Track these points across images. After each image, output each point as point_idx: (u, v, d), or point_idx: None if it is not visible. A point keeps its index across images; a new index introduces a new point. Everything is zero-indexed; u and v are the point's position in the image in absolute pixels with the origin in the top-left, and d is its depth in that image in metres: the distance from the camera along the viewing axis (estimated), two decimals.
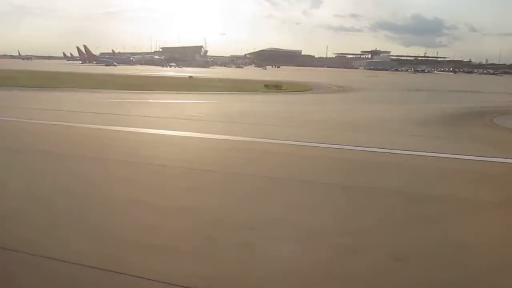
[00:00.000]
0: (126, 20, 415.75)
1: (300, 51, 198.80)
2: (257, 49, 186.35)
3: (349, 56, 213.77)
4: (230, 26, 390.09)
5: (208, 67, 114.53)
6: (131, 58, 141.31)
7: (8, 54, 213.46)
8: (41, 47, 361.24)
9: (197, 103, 20.22)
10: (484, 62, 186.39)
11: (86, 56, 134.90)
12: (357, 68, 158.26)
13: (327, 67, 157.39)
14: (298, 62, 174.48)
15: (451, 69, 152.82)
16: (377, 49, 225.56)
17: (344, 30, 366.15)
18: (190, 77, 44.28)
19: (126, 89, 25.80)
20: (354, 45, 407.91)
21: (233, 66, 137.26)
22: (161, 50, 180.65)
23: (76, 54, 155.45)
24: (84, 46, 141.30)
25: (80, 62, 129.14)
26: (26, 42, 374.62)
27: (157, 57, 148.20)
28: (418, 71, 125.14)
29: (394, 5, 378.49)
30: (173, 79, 41.52)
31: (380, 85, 43.78)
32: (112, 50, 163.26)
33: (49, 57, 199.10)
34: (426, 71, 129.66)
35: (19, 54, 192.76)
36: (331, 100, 24.79)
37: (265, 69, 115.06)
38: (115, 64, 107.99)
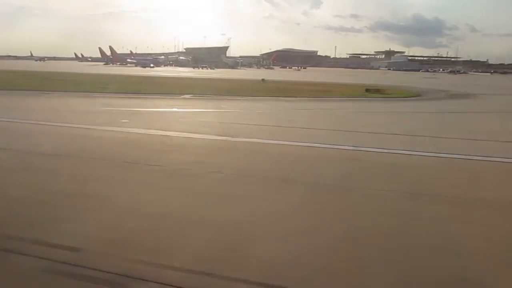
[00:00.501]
0: (127, 20, 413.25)
1: (316, 52, 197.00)
2: (272, 49, 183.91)
3: (363, 56, 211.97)
4: (231, 27, 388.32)
5: (237, 68, 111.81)
6: (157, 59, 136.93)
7: (12, 54, 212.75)
8: (43, 47, 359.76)
9: (357, 111, 18.69)
10: (494, 63, 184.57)
11: (112, 57, 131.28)
12: (377, 69, 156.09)
13: (346, 67, 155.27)
14: (314, 63, 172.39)
15: (477, 70, 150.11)
16: (391, 49, 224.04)
17: (344, 31, 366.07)
18: (263, 80, 41.98)
19: (260, 96, 24.45)
20: (355, 46, 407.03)
21: (256, 67, 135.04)
22: (184, 51, 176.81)
23: (87, 54, 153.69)
24: (110, 47, 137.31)
25: (103, 63, 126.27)
26: (27, 42, 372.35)
27: (182, 58, 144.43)
28: (454, 72, 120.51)
29: (394, 5, 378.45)
30: (254, 83, 39.14)
31: (480, 88, 40.39)
32: (130, 51, 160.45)
33: (61, 58, 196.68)
34: (461, 71, 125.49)
35: (31, 55, 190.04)
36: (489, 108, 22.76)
37: (300, 70, 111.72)
38: (152, 65, 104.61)
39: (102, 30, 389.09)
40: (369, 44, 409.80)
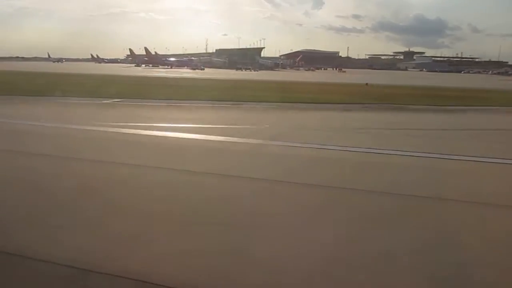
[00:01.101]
0: (130, 21, 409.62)
1: (338, 52, 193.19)
2: (293, 50, 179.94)
3: (383, 57, 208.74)
4: (232, 27, 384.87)
5: (274, 70, 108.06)
6: (192, 60, 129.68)
7: (20, 56, 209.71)
8: (46, 48, 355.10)
9: None
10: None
11: (147, 58, 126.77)
12: (405, 70, 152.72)
13: (371, 68, 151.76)
14: (336, 64, 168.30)
15: None
16: (410, 49, 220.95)
17: (346, 31, 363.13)
18: (367, 84, 38.38)
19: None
20: (355, 46, 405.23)
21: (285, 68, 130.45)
22: (215, 52, 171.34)
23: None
24: (145, 48, 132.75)
25: (134, 64, 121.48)
26: (29, 43, 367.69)
27: (217, 59, 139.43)
28: (504, 73, 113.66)
29: (396, 6, 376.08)
30: (361, 87, 35.49)
31: None
32: (155, 52, 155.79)
33: (76, 59, 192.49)
34: (510, 73, 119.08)
35: (49, 56, 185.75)
36: None
37: (344, 72, 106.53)
38: (202, 67, 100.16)
39: (105, 30, 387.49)
40: (369, 45, 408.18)
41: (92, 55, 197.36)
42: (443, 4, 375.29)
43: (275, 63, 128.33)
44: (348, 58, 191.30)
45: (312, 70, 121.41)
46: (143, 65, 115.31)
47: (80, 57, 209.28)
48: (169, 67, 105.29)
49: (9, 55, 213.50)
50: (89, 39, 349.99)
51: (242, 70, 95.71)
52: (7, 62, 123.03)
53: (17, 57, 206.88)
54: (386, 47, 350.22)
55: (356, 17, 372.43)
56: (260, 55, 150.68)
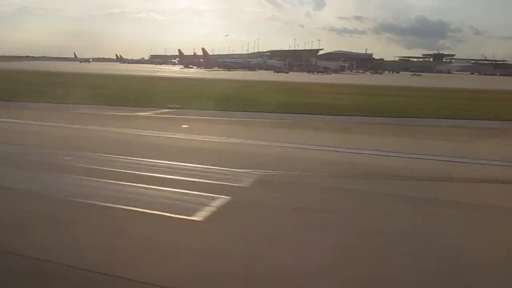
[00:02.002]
0: (130, 21, 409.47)
1: (372, 54, 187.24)
2: (322, 52, 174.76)
3: (413, 59, 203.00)
4: (233, 28, 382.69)
5: (340, 73, 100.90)
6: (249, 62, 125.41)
7: (20, 55, 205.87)
8: (48, 48, 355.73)
9: None
10: None
11: (204, 60, 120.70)
12: (448, 72, 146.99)
13: (408, 71, 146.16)
14: (369, 66, 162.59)
15: None
16: (440, 52, 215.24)
17: (347, 32, 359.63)
18: None
19: None
20: (356, 47, 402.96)
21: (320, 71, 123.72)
22: (269, 53, 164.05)
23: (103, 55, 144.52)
24: (203, 50, 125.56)
25: (182, 66, 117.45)
26: (30, 43, 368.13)
27: (272, 61, 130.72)
28: None
29: (398, 7, 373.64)
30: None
31: None
32: (194, 53, 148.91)
33: (102, 60, 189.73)
34: None
35: (75, 57, 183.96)
36: None
37: (380, 74, 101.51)
38: (287, 71, 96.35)
39: (106, 31, 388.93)
40: (370, 46, 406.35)
41: (116, 55, 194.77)
42: (444, 6, 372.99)
43: (341, 66, 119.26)
44: (382, 60, 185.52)
45: (362, 73, 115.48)
46: (193, 67, 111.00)
47: (105, 57, 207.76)
48: (227, 69, 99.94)
49: (14, 54, 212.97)
50: (94, 38, 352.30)
51: (314, 74, 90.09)
52: (33, 62, 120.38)
53: (27, 56, 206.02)
54: (386, 48, 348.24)
55: (357, 18, 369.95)
56: (315, 56, 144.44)
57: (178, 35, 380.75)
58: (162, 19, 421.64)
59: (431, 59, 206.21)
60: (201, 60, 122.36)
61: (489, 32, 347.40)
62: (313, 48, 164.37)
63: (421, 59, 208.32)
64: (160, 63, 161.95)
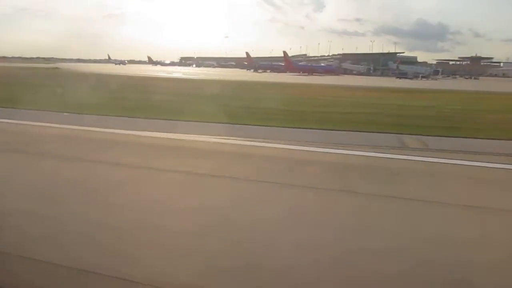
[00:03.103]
0: (129, 23, 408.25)
1: (416, 57, 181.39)
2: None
3: (451, 62, 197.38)
4: (232, 29, 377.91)
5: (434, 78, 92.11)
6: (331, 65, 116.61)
7: (41, 56, 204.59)
8: (49, 49, 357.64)
9: None
10: None
11: (285, 63, 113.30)
12: (508, 77, 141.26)
13: (456, 74, 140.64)
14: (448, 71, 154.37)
15: None
16: (477, 54, 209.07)
17: (347, 34, 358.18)
18: None
19: None
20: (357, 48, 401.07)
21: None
22: (340, 57, 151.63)
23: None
24: (284, 52, 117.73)
25: (251, 69, 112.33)
26: (30, 44, 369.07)
27: (353, 65, 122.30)
28: None
29: (398, 10, 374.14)
30: None
31: None
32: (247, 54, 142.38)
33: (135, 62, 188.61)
34: None
35: (109, 58, 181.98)
36: None
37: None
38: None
39: (106, 32, 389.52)
40: (369, 47, 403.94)
41: (149, 58, 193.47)
42: (444, 9, 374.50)
43: (435, 71, 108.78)
44: (425, 62, 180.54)
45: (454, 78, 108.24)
46: (259, 71, 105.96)
47: (136, 59, 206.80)
48: (300, 73, 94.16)
49: (18, 55, 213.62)
50: (88, 40, 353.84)
51: (400, 78, 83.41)
52: (67, 65, 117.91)
53: (38, 57, 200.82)
54: (386, 50, 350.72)
55: (358, 20, 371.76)
56: (393, 60, 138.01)
57: (178, 35, 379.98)
58: (162, 20, 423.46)
59: (469, 62, 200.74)
60: (280, 63, 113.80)
61: (489, 35, 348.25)
62: (390, 51, 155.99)
63: (458, 62, 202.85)
64: (201, 65, 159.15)
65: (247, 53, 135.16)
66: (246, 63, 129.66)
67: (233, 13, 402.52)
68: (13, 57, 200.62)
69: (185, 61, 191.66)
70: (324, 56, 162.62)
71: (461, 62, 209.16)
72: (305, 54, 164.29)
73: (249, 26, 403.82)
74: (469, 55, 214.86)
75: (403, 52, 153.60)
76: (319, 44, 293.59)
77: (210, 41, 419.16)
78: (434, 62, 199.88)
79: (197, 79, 54.67)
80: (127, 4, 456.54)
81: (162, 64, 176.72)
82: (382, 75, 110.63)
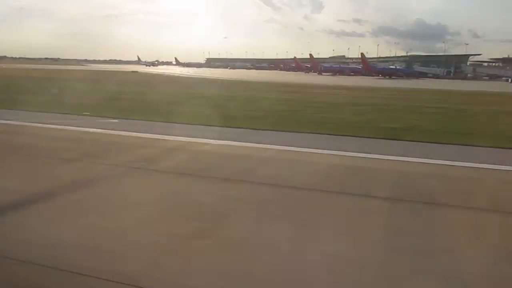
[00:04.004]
0: (128, 23, 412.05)
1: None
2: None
3: (484, 64, 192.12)
4: (231, 30, 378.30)
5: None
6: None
7: (52, 57, 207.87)
8: (49, 49, 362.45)
9: None
10: None
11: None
12: None
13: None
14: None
15: None
16: (509, 56, 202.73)
17: (346, 35, 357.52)
18: None
19: None
20: (355, 50, 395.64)
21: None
22: (407, 59, 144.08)
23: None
24: (362, 54, 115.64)
25: (317, 73, 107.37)
26: (30, 44, 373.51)
27: (427, 68, 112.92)
28: None
29: (397, 10, 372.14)
30: None
31: None
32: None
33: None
34: None
35: (139, 60, 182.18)
36: None
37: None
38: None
39: (106, 32, 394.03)
40: (369, 49, 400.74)
41: (176, 59, 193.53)
42: (443, 9, 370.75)
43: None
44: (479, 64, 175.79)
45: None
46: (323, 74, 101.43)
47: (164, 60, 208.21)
48: (378, 76, 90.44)
49: (22, 55, 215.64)
50: (88, 40, 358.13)
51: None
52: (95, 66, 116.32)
53: (46, 58, 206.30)
54: (385, 51, 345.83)
55: (356, 21, 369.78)
56: (466, 62, 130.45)
57: (177, 36, 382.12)
58: (161, 21, 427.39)
59: (501, 64, 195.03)
60: (359, 67, 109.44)
61: (487, 36, 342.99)
62: (464, 53, 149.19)
63: (492, 64, 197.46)
64: (231, 67, 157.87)
65: (310, 54, 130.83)
66: (308, 65, 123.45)
67: (230, 14, 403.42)
68: (13, 58, 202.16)
69: (213, 63, 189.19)
70: (389, 57, 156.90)
71: (494, 64, 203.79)
72: (344, 55, 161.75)
73: (247, 27, 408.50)
74: (500, 56, 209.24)
75: (479, 54, 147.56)
76: (348, 48, 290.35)
77: (210, 41, 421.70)
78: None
79: (291, 83, 50.30)
80: (128, 4, 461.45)
81: (190, 65, 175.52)
82: (461, 78, 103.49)
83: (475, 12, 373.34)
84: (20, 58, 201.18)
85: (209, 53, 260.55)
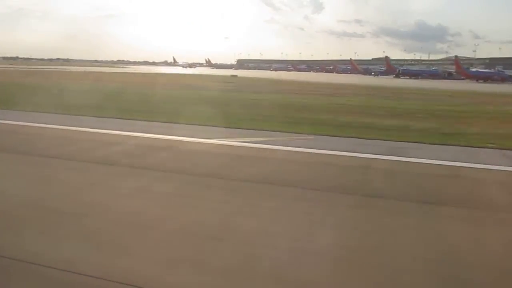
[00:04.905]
0: (127, 23, 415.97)
1: None
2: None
3: None
4: (231, 31, 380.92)
5: None
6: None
7: (63, 58, 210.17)
8: (48, 50, 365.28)
9: None
10: None
11: (456, 69, 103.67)
12: None
13: None
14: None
15: None
16: None
17: (346, 36, 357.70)
18: None
19: None
20: (357, 51, 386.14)
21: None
22: (488, 61, 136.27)
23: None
24: (456, 57, 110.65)
25: (393, 76, 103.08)
26: (28, 44, 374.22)
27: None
28: None
29: (397, 11, 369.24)
30: None
31: None
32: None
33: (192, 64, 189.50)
34: None
35: (174, 61, 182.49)
36: None
37: None
38: None
39: (105, 32, 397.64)
40: (369, 50, 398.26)
41: (208, 60, 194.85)
42: (444, 10, 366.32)
43: None
44: None
45: None
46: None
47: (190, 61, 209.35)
48: (475, 80, 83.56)
49: (25, 55, 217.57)
50: (87, 40, 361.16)
51: None
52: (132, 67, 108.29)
53: (58, 59, 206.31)
54: (386, 52, 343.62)
55: (357, 22, 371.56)
56: None
57: (177, 37, 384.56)
58: (160, 21, 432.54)
59: None
60: (454, 72, 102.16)
61: (488, 37, 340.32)
62: None
63: None
64: (272, 68, 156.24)
65: (386, 56, 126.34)
66: (385, 68, 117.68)
67: (230, 15, 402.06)
68: (25, 58, 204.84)
69: (246, 64, 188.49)
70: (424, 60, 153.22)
71: None
72: (387, 56, 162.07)
73: (247, 27, 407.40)
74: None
75: None
76: (383, 52, 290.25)
77: (210, 42, 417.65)
78: None
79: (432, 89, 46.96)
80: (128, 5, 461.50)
81: (223, 66, 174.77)
82: None
83: (476, 13, 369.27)
84: (33, 59, 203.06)
85: (240, 54, 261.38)
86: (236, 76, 73.44)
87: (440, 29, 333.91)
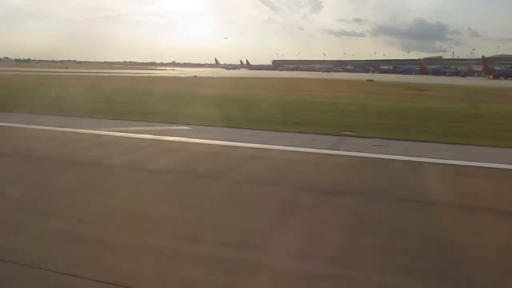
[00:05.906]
0: (126, 24, 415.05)
1: None
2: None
3: None
4: (230, 31, 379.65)
5: None
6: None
7: (15, 57, 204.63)
8: (48, 50, 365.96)
9: None
10: None
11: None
12: None
13: None
14: None
15: None
16: None
17: (345, 35, 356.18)
18: None
19: None
20: (356, 50, 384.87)
21: None
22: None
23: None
24: (483, 57, 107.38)
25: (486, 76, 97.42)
26: (29, 44, 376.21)
27: None
28: None
29: (396, 10, 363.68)
30: None
31: None
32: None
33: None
34: None
35: (217, 62, 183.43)
36: None
37: None
38: None
39: (105, 33, 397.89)
40: (369, 49, 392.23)
41: (246, 61, 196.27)
42: (443, 9, 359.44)
43: None
44: None
45: None
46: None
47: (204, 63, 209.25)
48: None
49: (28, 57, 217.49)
50: (87, 41, 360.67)
51: None
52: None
53: (61, 61, 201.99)
54: (384, 51, 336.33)
55: (356, 21, 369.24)
56: None
57: (177, 37, 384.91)
58: (160, 21, 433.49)
59: None
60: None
61: (488, 34, 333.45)
62: None
63: None
64: (304, 69, 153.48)
65: (483, 56, 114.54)
66: (484, 68, 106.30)
67: (229, 14, 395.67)
68: (37, 60, 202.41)
69: (283, 65, 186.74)
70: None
71: None
72: (441, 57, 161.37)
73: (246, 27, 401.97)
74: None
75: None
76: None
77: (210, 42, 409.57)
78: None
79: None
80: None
81: (260, 67, 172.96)
82: None
83: (475, 11, 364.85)
84: (44, 61, 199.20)
85: (276, 54, 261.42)
86: (372, 80, 61.72)
87: (439, 27, 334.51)
